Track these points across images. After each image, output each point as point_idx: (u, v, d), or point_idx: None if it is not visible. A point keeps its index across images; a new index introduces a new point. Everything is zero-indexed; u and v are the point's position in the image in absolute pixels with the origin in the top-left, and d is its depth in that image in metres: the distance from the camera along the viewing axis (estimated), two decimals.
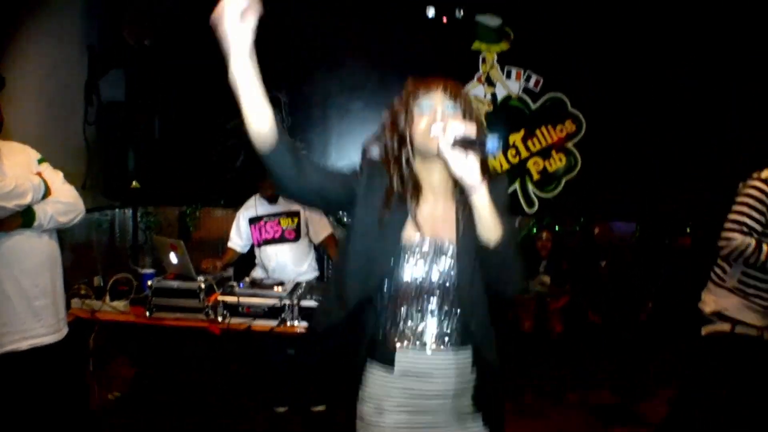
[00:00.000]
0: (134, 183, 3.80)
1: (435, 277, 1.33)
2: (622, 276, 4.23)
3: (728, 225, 2.18)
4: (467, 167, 1.17)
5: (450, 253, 1.33)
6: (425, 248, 1.33)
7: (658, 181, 4.30)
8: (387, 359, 1.33)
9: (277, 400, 3.40)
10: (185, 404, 3.31)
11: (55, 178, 2.24)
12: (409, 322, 1.34)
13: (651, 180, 4.30)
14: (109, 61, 4.07)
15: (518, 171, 4.44)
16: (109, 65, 4.08)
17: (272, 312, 2.69)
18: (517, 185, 4.45)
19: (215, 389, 3.46)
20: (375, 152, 1.42)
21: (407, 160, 1.35)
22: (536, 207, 4.47)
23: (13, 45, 3.21)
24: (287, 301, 2.69)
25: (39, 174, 2.17)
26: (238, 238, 3.46)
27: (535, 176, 4.45)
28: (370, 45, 4.32)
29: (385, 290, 1.33)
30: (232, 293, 2.78)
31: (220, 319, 2.71)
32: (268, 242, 3.37)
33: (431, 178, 1.37)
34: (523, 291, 1.24)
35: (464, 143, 1.18)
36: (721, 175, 3.98)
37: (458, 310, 1.34)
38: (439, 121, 1.26)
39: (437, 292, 1.33)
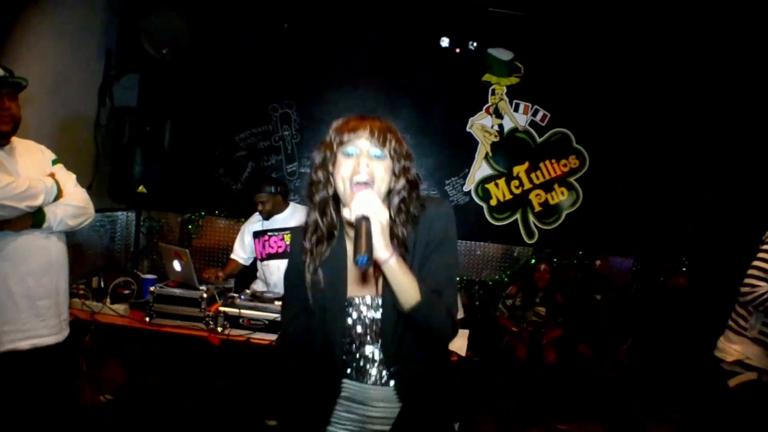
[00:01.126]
0: (141, 188, 3.81)
1: (370, 322, 1.38)
2: (613, 311, 4.25)
3: (753, 272, 2.14)
4: (371, 241, 1.15)
5: (378, 304, 1.36)
6: (359, 300, 1.37)
7: (657, 220, 4.37)
8: (338, 379, 1.44)
9: (269, 413, 3.38)
10: (176, 411, 3.27)
11: (68, 181, 2.25)
12: (355, 355, 1.41)
13: (650, 218, 4.38)
14: (125, 65, 4.13)
15: (520, 202, 4.50)
16: (124, 70, 4.13)
17: (272, 326, 2.70)
18: (518, 215, 4.50)
19: (207, 398, 3.43)
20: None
21: (323, 205, 1.34)
22: (536, 238, 4.52)
23: (31, 43, 3.25)
24: None
25: (52, 175, 2.19)
26: (242, 251, 3.47)
27: (537, 208, 4.50)
28: (382, 68, 4.40)
29: (338, 330, 1.38)
30: (233, 305, 2.80)
31: (220, 329, 2.71)
32: (271, 257, 3.38)
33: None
34: (451, 336, 1.28)
35: (365, 219, 1.16)
36: (720, 219, 4.08)
37: (386, 352, 1.37)
38: (361, 172, 1.25)
39: (373, 335, 1.38)
